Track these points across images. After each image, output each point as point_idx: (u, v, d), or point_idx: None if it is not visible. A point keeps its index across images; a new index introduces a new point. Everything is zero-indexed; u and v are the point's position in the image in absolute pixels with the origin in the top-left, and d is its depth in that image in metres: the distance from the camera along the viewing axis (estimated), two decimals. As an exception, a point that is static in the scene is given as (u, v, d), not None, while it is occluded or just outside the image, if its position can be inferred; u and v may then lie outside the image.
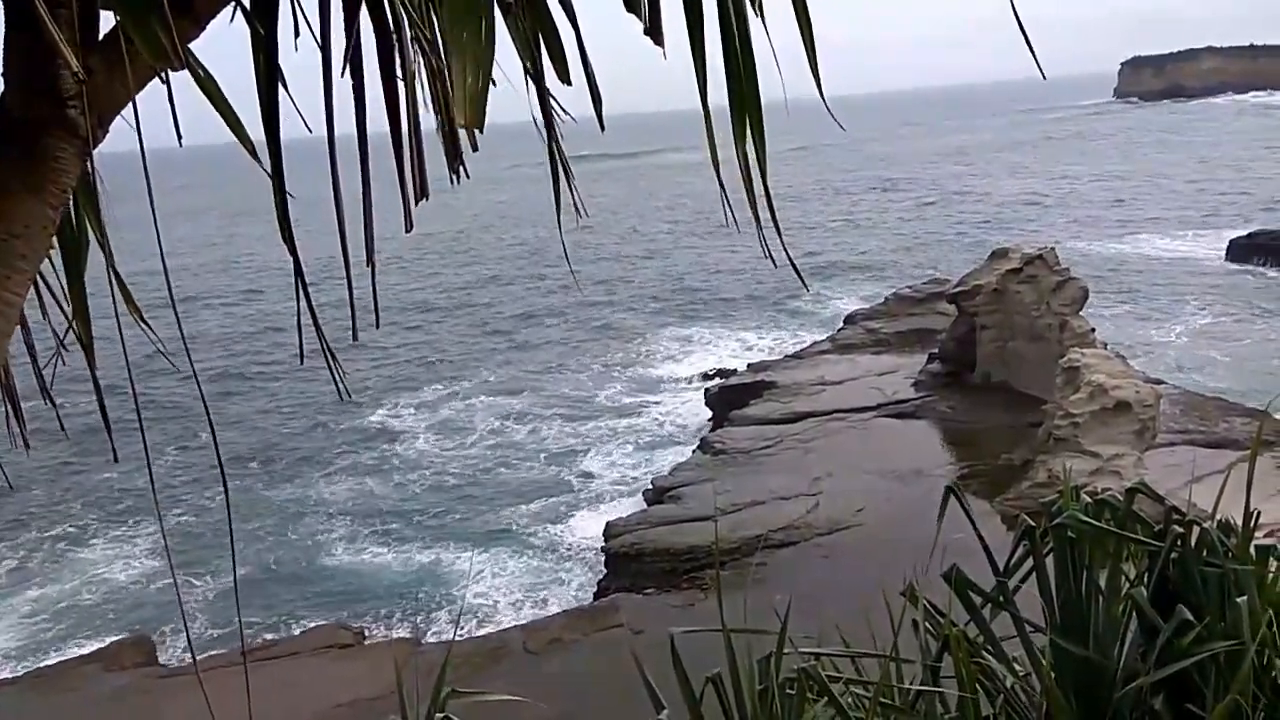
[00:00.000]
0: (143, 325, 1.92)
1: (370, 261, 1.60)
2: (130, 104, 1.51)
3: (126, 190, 1.78)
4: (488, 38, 1.36)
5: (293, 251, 1.62)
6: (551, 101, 1.69)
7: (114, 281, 1.79)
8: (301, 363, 1.66)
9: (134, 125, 1.50)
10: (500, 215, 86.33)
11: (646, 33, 1.51)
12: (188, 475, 28.06)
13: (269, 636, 18.47)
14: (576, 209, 1.83)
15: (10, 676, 17.08)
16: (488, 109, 1.53)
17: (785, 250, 1.63)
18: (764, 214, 1.66)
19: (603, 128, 1.69)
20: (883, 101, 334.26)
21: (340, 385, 1.68)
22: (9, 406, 1.90)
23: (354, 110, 1.52)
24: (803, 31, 1.54)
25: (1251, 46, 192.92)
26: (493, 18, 1.38)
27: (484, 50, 1.35)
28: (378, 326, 1.58)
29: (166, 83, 1.50)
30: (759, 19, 1.58)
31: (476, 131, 1.55)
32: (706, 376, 32.95)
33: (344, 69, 1.51)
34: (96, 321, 1.91)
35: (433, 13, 1.59)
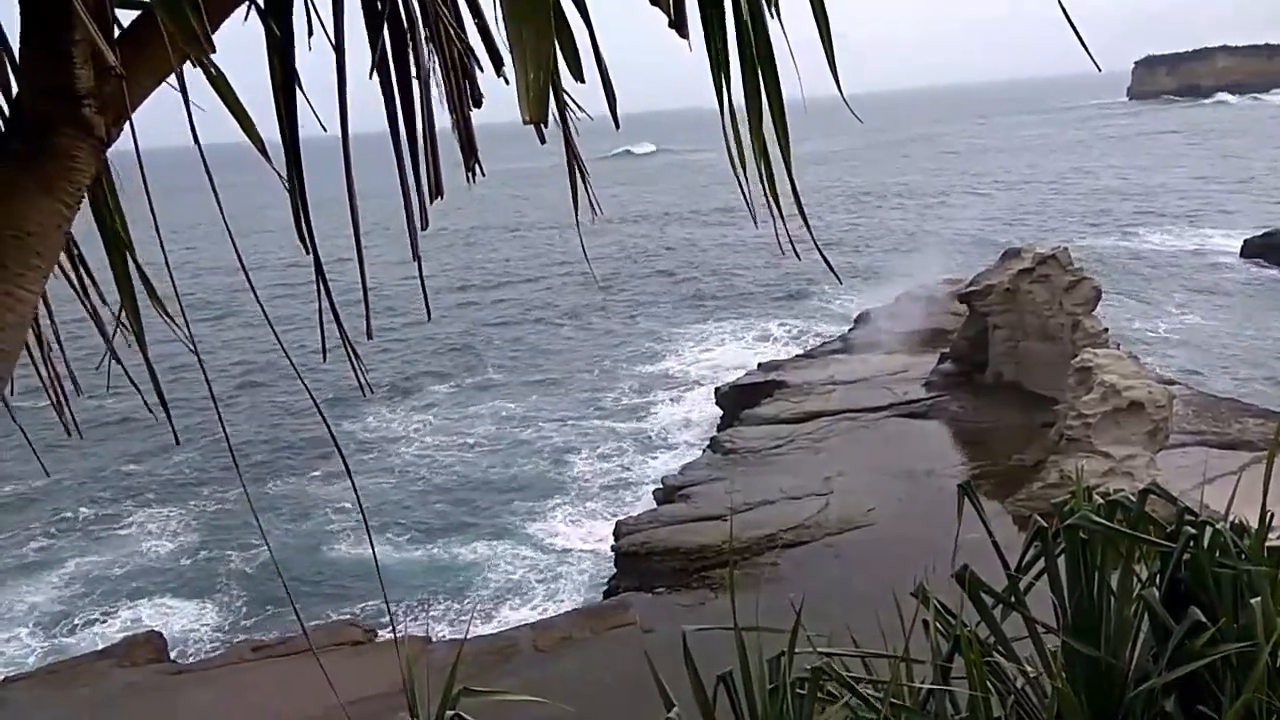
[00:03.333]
0: (169, 321, 1.93)
1: (416, 257, 1.61)
2: (143, 101, 1.52)
3: (133, 188, 1.80)
4: (547, 33, 1.37)
5: (313, 250, 1.63)
6: (567, 99, 1.69)
7: (170, 278, 1.80)
8: (324, 360, 1.68)
9: (150, 123, 1.51)
10: (515, 213, 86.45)
11: (671, 25, 1.51)
12: (205, 469, 28.25)
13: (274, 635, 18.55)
14: (592, 207, 1.84)
15: (25, 671, 17.17)
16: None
17: (814, 241, 1.63)
18: (796, 211, 1.67)
19: (618, 125, 1.69)
20: (878, 102, 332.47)
21: (362, 380, 1.70)
22: (53, 395, 1.90)
23: (384, 110, 1.53)
24: (820, 26, 1.54)
25: (1266, 45, 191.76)
26: (549, 13, 1.38)
27: (546, 46, 1.36)
28: (429, 319, 1.59)
29: (182, 81, 1.50)
30: (775, 18, 1.58)
31: (513, 128, 1.55)
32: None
33: (371, 72, 1.52)
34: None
35: (447, 7, 1.59)
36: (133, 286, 1.83)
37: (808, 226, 1.64)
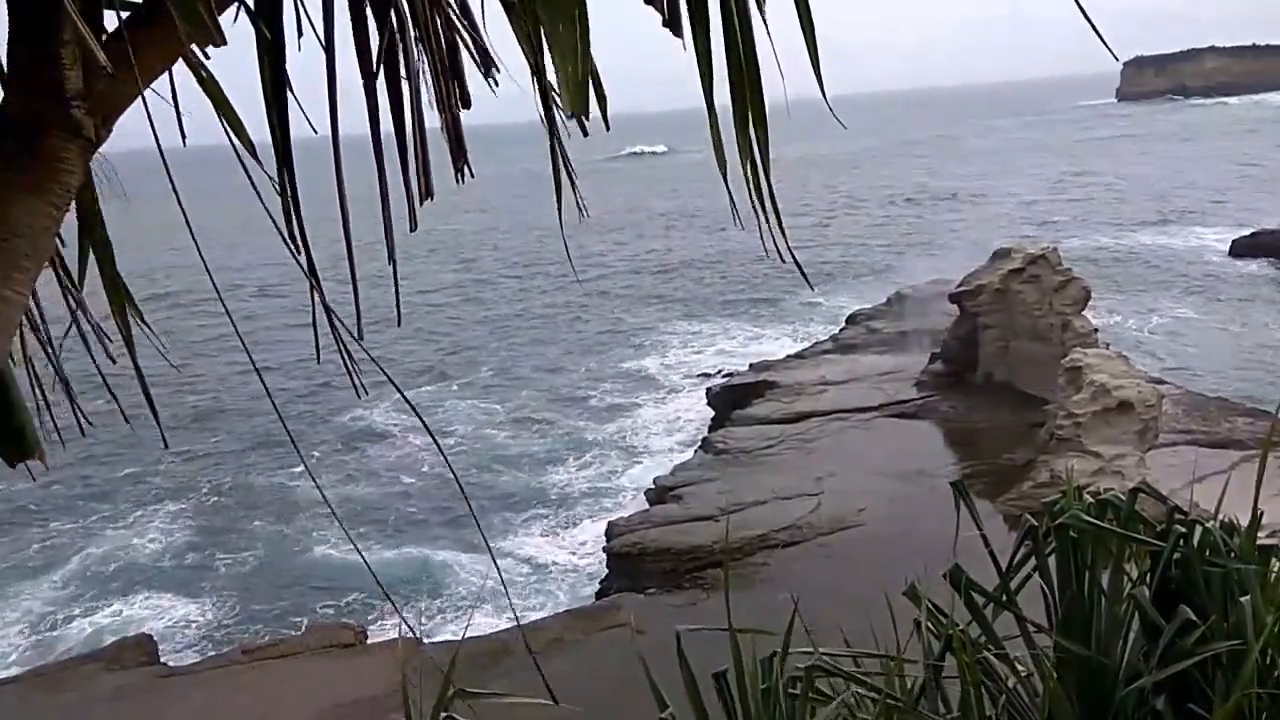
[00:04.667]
0: (143, 326, 1.92)
1: (391, 260, 1.61)
2: (133, 103, 1.51)
3: (133, 192, 1.80)
4: (583, 26, 1.39)
5: (306, 252, 1.63)
6: (555, 100, 1.69)
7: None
8: (319, 361, 1.68)
9: (139, 125, 1.51)
10: (506, 214, 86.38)
11: (666, 24, 1.52)
12: (196, 470, 28.20)
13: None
14: (579, 209, 1.84)
15: (12, 675, 17.09)
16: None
17: (789, 249, 1.63)
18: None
19: (608, 126, 1.69)
20: (873, 103, 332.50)
21: (357, 382, 1.70)
22: (38, 396, 1.90)
23: (367, 112, 1.53)
24: (803, 26, 1.54)
25: (1254, 46, 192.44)
26: (585, 6, 1.40)
27: (582, 38, 1.38)
28: (399, 324, 1.61)
29: (173, 84, 1.50)
30: (761, 17, 1.59)
31: (577, 121, 1.56)
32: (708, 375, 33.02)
33: (375, 75, 1.52)
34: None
35: (437, 8, 1.59)
36: (122, 292, 1.83)
37: (782, 231, 1.64)
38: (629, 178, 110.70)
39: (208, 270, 1.70)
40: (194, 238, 1.61)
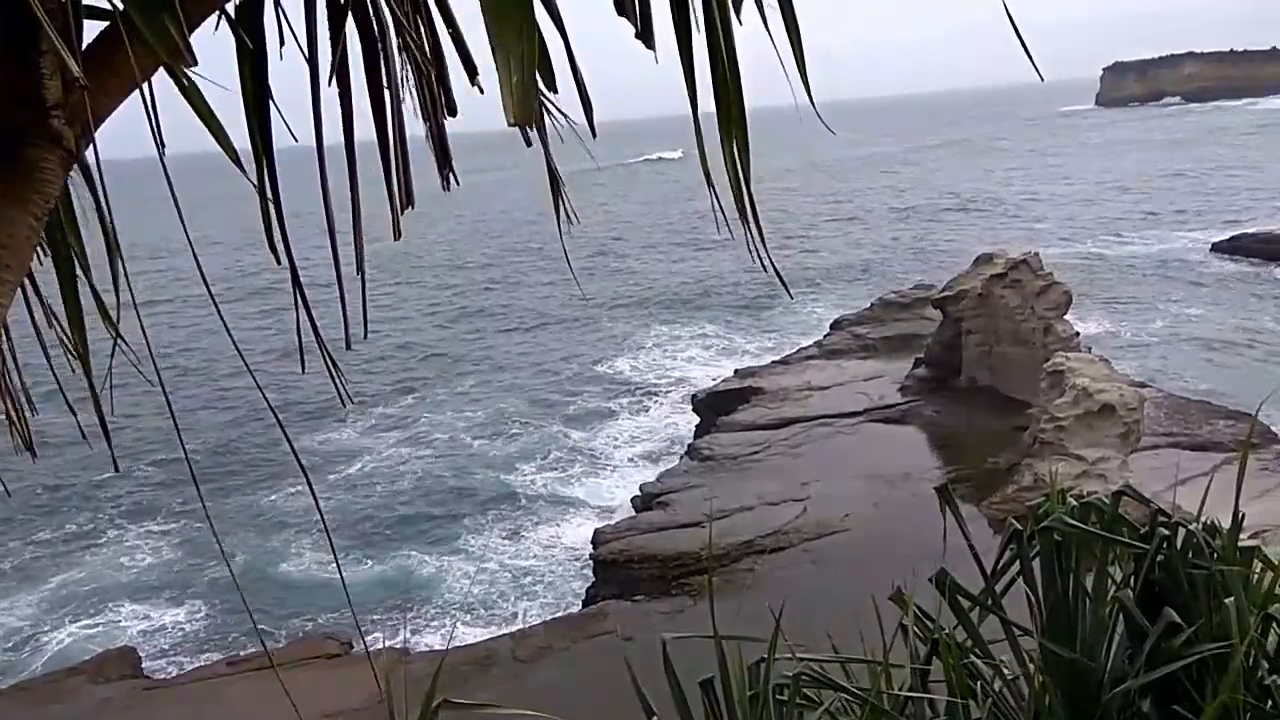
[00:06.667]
0: (117, 337, 1.91)
1: (360, 269, 1.60)
2: (113, 112, 1.50)
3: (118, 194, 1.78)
4: (530, 33, 1.37)
5: (290, 260, 1.62)
6: (548, 107, 1.68)
7: (126, 288, 1.78)
8: (303, 370, 1.66)
9: (131, 133, 1.50)
10: (492, 222, 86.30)
11: (638, 36, 1.52)
12: (176, 482, 27.98)
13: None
14: (568, 215, 1.84)
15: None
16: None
17: (769, 256, 1.63)
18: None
19: (594, 134, 1.69)
20: (870, 108, 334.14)
21: (343, 391, 1.69)
22: (10, 411, 1.88)
23: (341, 120, 1.52)
24: (790, 35, 1.55)
25: (1231, 52, 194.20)
26: (531, 12, 1.38)
27: (529, 46, 1.36)
28: (365, 337, 1.58)
29: (151, 92, 1.49)
30: (739, 23, 1.59)
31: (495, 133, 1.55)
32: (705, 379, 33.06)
33: (330, 78, 1.50)
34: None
35: (420, 16, 1.59)
36: (80, 305, 1.81)
37: (762, 239, 1.65)
38: (633, 183, 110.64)
39: (203, 277, 1.69)
40: (188, 237, 1.60)
